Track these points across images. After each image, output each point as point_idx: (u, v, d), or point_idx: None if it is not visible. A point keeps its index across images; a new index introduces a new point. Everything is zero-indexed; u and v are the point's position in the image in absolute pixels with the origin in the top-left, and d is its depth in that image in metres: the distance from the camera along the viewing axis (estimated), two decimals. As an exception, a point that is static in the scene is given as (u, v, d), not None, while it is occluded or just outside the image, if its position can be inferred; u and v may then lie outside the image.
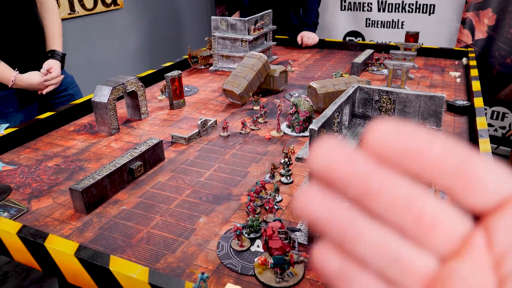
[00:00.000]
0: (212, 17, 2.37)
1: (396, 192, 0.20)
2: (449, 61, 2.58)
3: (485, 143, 1.38)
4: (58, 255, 0.92)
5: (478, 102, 1.72)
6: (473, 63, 2.32)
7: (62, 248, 0.91)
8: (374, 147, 0.21)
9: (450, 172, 0.20)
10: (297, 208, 0.22)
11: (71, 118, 1.79)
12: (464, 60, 2.51)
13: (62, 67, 2.04)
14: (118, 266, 0.85)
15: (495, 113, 3.59)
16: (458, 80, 2.20)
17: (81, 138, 1.62)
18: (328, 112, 0.94)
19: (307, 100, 1.59)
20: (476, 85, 1.93)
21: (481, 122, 1.53)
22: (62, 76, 2.00)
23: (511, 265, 0.19)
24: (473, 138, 1.53)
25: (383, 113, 1.13)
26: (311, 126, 0.85)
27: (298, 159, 0.93)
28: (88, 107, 1.86)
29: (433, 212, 0.20)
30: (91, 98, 1.86)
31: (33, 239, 0.95)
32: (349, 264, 0.22)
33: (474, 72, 2.13)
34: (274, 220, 0.90)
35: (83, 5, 3.03)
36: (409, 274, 0.20)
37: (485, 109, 3.59)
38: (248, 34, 2.34)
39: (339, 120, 1.02)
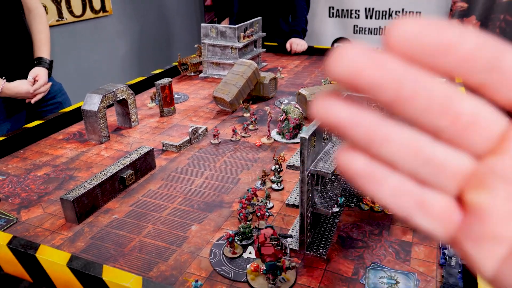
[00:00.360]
0: (202, 24, 2.39)
1: (431, 94, 0.19)
2: (435, 67, 2.62)
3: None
4: (49, 266, 0.92)
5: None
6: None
7: (54, 259, 0.91)
8: (399, 46, 0.19)
9: (484, 67, 0.18)
10: (317, 111, 0.21)
11: (60, 127, 1.78)
12: (450, 66, 2.55)
13: (50, 74, 2.03)
14: (111, 275, 0.85)
15: (481, 117, 3.66)
16: (444, 86, 2.24)
17: (70, 147, 1.61)
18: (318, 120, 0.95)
19: (297, 107, 1.61)
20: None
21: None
22: (50, 83, 1.99)
23: None
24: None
25: (371, 120, 1.15)
26: (302, 135, 0.87)
27: (290, 167, 0.94)
28: (78, 115, 1.85)
29: (471, 111, 0.19)
30: (80, 106, 1.86)
31: (24, 250, 0.94)
32: (378, 166, 0.20)
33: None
34: (266, 227, 0.91)
35: (71, 12, 3.02)
36: (443, 173, 0.20)
37: (471, 114, 3.65)
38: (238, 41, 2.36)
39: (329, 127, 1.04)
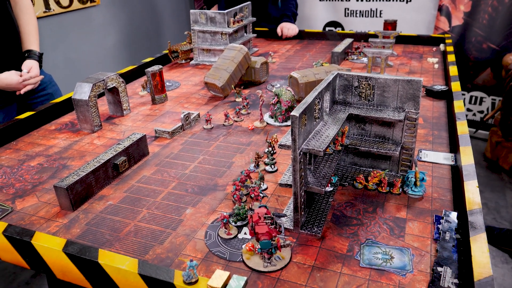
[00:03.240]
0: (191, 10, 2.37)
1: None
2: (427, 47, 2.62)
3: (462, 125, 1.41)
4: (45, 252, 0.92)
5: (456, 86, 1.76)
6: (450, 49, 2.36)
7: (49, 245, 0.91)
8: None
9: None
10: None
11: (51, 117, 1.77)
12: (442, 46, 2.55)
13: (40, 67, 2.01)
14: (107, 259, 0.85)
15: (473, 98, 3.67)
16: (436, 66, 2.24)
17: (63, 137, 1.60)
18: (308, 99, 0.95)
19: (288, 90, 1.60)
20: (453, 70, 1.97)
21: (459, 106, 1.56)
22: (42, 76, 1.97)
23: None
24: (451, 121, 1.56)
25: (363, 98, 1.15)
26: (292, 113, 0.87)
27: (281, 146, 0.94)
28: (69, 105, 1.84)
29: None
30: (71, 96, 1.85)
31: (20, 237, 0.94)
32: None
33: (451, 58, 2.17)
34: (259, 207, 0.91)
35: (58, 3, 2.98)
36: None
37: (463, 94, 3.66)
38: (228, 26, 2.34)
39: (320, 106, 1.04)
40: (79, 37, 3.22)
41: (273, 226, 0.87)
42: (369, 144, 1.17)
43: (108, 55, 3.55)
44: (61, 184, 1.11)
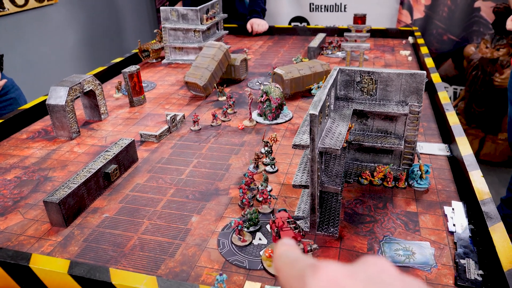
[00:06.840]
0: (161, 7, 2.27)
1: None
2: (396, 40, 2.67)
3: (452, 115, 1.43)
4: (47, 276, 0.83)
5: (436, 77, 1.79)
6: (421, 41, 2.41)
7: (51, 267, 0.82)
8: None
9: None
10: None
11: (21, 125, 1.64)
12: (410, 39, 2.60)
13: (1, 69, 1.86)
14: (121, 278, 0.78)
15: (435, 88, 3.79)
16: (410, 58, 2.28)
17: (38, 146, 1.48)
18: (322, 96, 0.92)
19: (277, 87, 1.56)
20: (429, 62, 2.00)
21: (444, 96, 1.59)
22: (5, 80, 1.82)
23: None
24: (438, 113, 1.58)
25: (365, 93, 1.13)
26: (311, 111, 0.83)
27: (296, 146, 0.90)
28: (39, 111, 1.71)
29: None
30: (39, 102, 1.72)
31: (14, 261, 0.85)
32: None
33: (424, 50, 2.22)
34: (279, 211, 0.87)
35: (13, 1, 2.77)
36: None
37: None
38: (201, 23, 2.27)
39: (328, 103, 1.01)
40: (37, 37, 3.02)
41: (297, 230, 0.83)
42: (372, 139, 1.16)
43: (69, 56, 3.36)
44: (52, 199, 1.01)
